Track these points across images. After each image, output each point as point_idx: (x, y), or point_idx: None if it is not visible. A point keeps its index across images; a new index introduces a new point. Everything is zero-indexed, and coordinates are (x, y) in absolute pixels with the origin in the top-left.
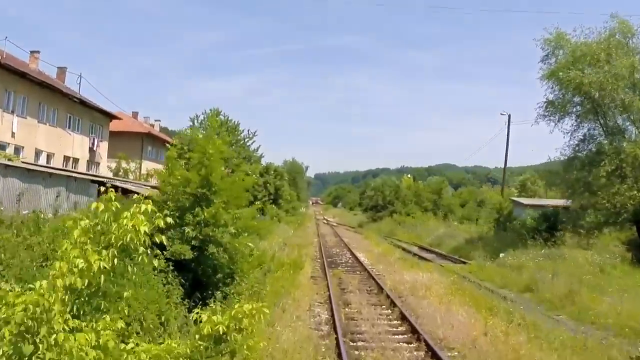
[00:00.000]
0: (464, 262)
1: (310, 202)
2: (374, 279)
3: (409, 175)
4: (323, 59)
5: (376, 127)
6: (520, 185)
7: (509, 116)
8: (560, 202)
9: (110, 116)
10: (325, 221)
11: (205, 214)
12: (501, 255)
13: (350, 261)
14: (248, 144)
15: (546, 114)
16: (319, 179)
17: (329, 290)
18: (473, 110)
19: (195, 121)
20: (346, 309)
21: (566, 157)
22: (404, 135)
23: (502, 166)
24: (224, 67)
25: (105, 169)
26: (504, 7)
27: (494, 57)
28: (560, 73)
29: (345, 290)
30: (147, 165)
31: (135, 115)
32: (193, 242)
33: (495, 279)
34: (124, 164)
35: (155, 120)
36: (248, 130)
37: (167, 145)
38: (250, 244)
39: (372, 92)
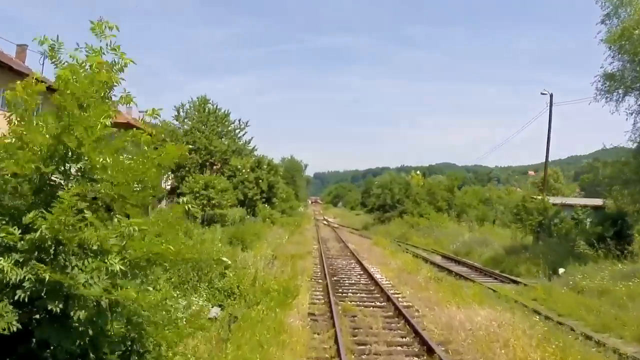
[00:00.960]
0: (516, 282)
1: (310, 202)
2: (407, 320)
3: (417, 172)
4: (323, 58)
5: (376, 126)
6: (542, 182)
7: (551, 96)
8: (591, 201)
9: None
10: (325, 222)
11: (46, 225)
12: (560, 271)
13: (363, 282)
14: (239, 135)
15: (604, 88)
16: (318, 178)
17: (339, 355)
18: (473, 109)
19: (181, 110)
20: None
21: (637, 143)
22: (403, 134)
23: (504, 165)
24: (223, 67)
25: None
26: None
27: (495, 57)
28: (637, 31)
29: (368, 352)
30: None
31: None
32: (19, 293)
33: (581, 313)
34: None
35: (140, 112)
36: (239, 121)
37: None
38: (225, 259)
39: (372, 91)
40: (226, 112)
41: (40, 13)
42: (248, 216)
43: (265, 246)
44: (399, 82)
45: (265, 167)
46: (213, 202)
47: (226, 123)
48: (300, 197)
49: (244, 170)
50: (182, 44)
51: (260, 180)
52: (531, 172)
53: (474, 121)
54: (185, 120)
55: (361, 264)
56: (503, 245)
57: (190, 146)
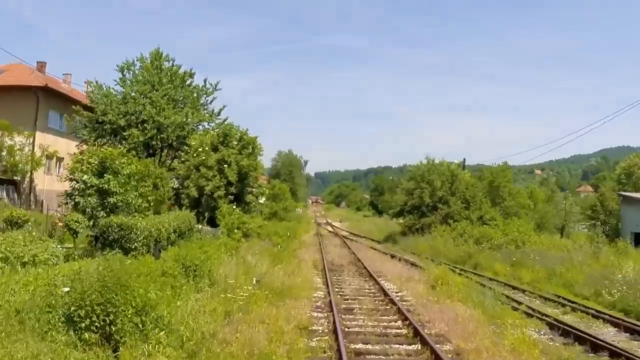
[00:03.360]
0: None
1: (310, 202)
2: None
3: (455, 161)
4: (323, 57)
5: (377, 126)
6: (626, 174)
7: None
8: None
9: None
10: (331, 229)
11: None
12: None
13: None
14: (204, 101)
15: None
16: (319, 178)
17: None
18: (474, 108)
19: (126, 71)
20: None
21: None
22: (405, 133)
23: (507, 164)
24: (222, 66)
25: None
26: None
27: (494, 57)
28: None
29: None
30: (47, 139)
31: (41, 67)
32: None
33: None
34: (7, 139)
35: (85, 82)
36: (205, 82)
37: (74, 107)
38: None
39: (373, 90)
40: (188, 71)
41: (40, 12)
42: (200, 225)
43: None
44: (400, 81)
45: (234, 143)
46: (112, 200)
47: (191, 88)
48: (300, 197)
49: (200, 150)
50: (183, 44)
51: (226, 165)
52: (538, 172)
53: (475, 120)
54: (134, 84)
55: None
56: None
57: (133, 117)
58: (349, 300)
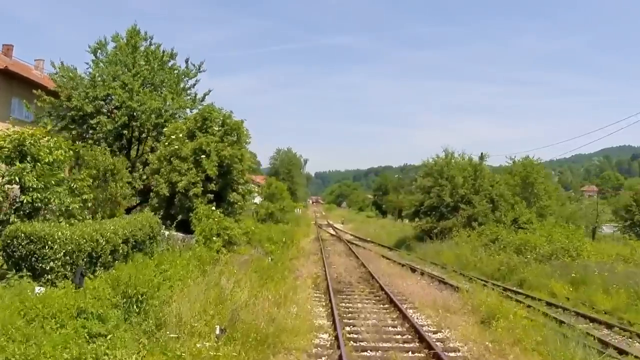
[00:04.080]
0: None
1: (310, 202)
2: None
3: (471, 154)
4: (323, 57)
5: (377, 125)
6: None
7: None
8: None
9: None
10: (333, 232)
11: None
12: None
13: None
14: (187, 85)
15: None
16: (319, 178)
17: None
18: (474, 108)
19: (99, 52)
20: None
21: None
22: (405, 133)
23: (508, 163)
24: (222, 66)
25: None
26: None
27: (494, 57)
28: None
29: None
30: (11, 128)
31: (7, 50)
32: None
33: None
34: None
35: (50, 65)
36: (187, 62)
37: (36, 92)
38: None
39: (373, 90)
40: (169, 51)
41: (40, 13)
42: (167, 232)
43: None
44: (400, 81)
45: (215, 129)
46: (26, 199)
47: (174, 70)
48: (299, 197)
49: (173, 137)
50: (183, 45)
51: (204, 155)
52: None
53: (475, 120)
54: (106, 66)
55: None
56: None
57: (103, 102)
58: (369, 352)
